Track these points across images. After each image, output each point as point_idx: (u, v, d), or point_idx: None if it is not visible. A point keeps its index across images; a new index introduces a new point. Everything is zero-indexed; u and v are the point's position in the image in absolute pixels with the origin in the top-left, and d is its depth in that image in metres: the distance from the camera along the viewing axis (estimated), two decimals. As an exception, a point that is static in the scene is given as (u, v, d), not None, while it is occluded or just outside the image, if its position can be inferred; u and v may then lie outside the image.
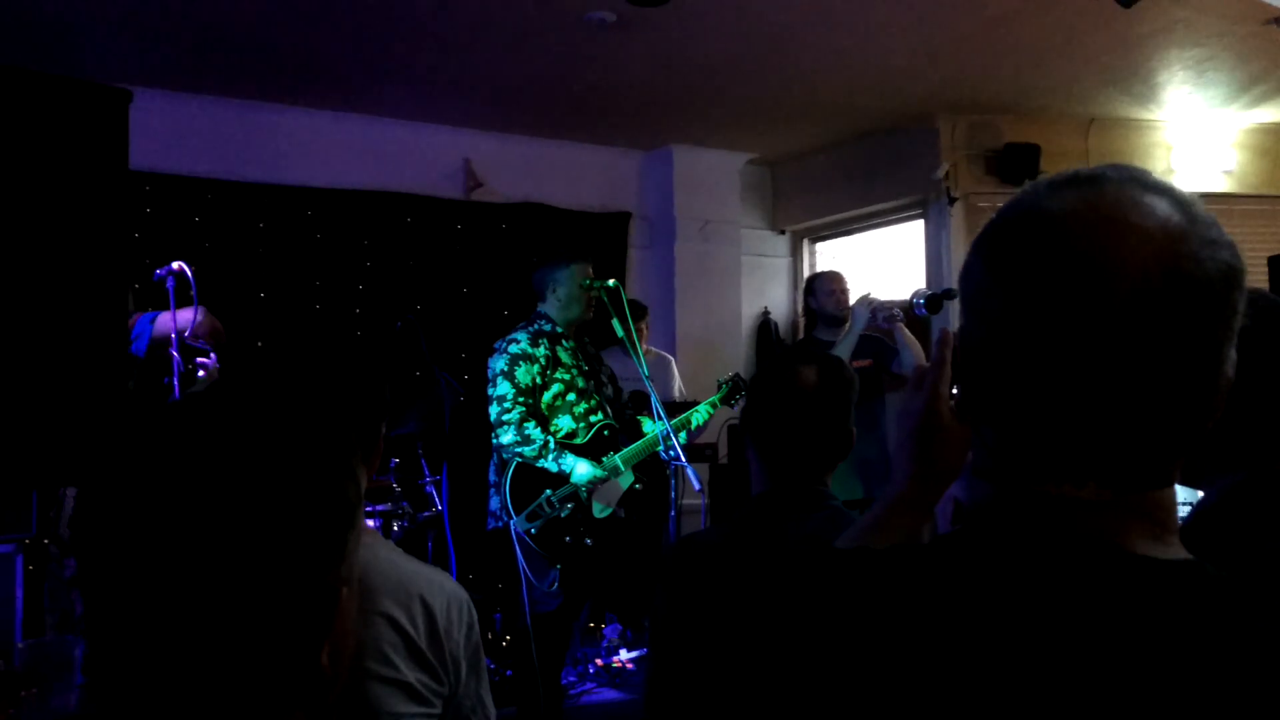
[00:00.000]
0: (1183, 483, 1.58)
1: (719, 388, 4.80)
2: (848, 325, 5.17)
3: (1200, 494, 1.57)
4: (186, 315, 3.59)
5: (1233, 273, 0.85)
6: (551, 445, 4.24)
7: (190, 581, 0.82)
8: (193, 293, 3.60)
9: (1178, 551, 0.86)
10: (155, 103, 5.65)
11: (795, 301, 8.04)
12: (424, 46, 5.35)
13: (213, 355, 3.79)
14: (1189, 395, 0.84)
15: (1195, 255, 0.82)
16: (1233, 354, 0.86)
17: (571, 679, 5.27)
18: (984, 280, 0.89)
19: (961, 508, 1.18)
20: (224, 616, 0.83)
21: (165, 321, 3.63)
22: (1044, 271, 0.84)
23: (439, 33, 5.16)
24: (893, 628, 0.84)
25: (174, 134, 5.80)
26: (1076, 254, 0.83)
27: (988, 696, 0.80)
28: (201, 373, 4.04)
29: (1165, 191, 0.86)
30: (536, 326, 4.41)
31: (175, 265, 3.67)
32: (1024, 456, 0.87)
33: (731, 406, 4.84)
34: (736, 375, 4.87)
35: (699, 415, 4.62)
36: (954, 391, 1.15)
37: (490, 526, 4.41)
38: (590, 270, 4.45)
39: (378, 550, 1.81)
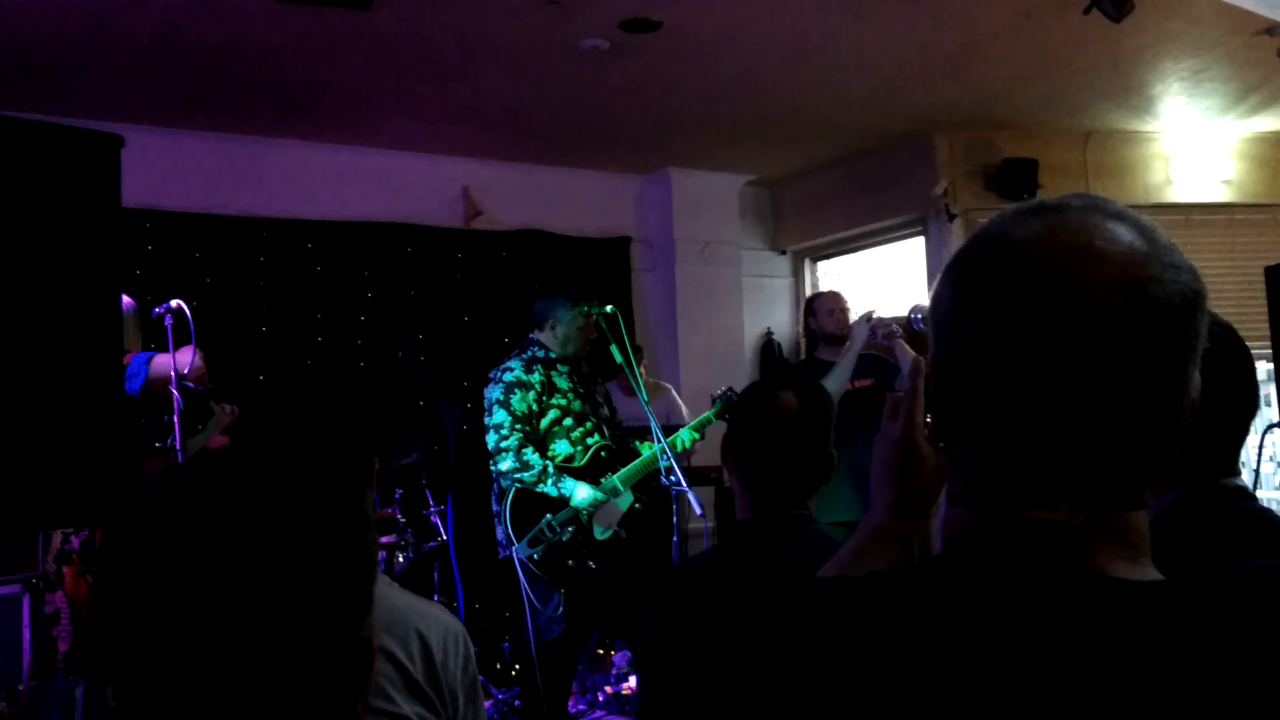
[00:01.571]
0: None
1: (713, 403, 4.75)
2: (848, 344, 5.15)
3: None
4: (185, 356, 3.60)
5: (1195, 296, 0.85)
6: (550, 470, 4.25)
7: (227, 648, 0.81)
8: (191, 330, 3.61)
9: (1151, 573, 0.87)
10: (153, 140, 5.69)
11: (798, 321, 8.02)
12: (420, 77, 5.38)
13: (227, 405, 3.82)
14: (1155, 417, 0.85)
15: (1158, 279, 0.84)
16: (1197, 377, 0.88)
17: (581, 707, 5.25)
18: (952, 306, 0.90)
19: None
20: (264, 682, 0.82)
21: (162, 363, 3.63)
22: (1010, 297, 0.85)
23: (434, 63, 5.19)
24: (870, 656, 0.85)
25: (172, 170, 5.84)
26: (1041, 279, 0.84)
27: None
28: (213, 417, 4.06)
29: (1127, 218, 0.87)
30: (530, 354, 4.41)
31: (174, 303, 3.69)
32: (996, 480, 0.88)
33: (728, 420, 4.73)
34: (730, 389, 4.81)
35: (684, 437, 4.56)
36: (929, 419, 1.16)
37: (502, 556, 4.41)
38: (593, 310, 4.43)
39: (371, 585, 1.81)
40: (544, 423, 4.33)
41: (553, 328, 4.42)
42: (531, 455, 4.24)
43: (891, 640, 0.85)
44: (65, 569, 3.99)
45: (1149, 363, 0.83)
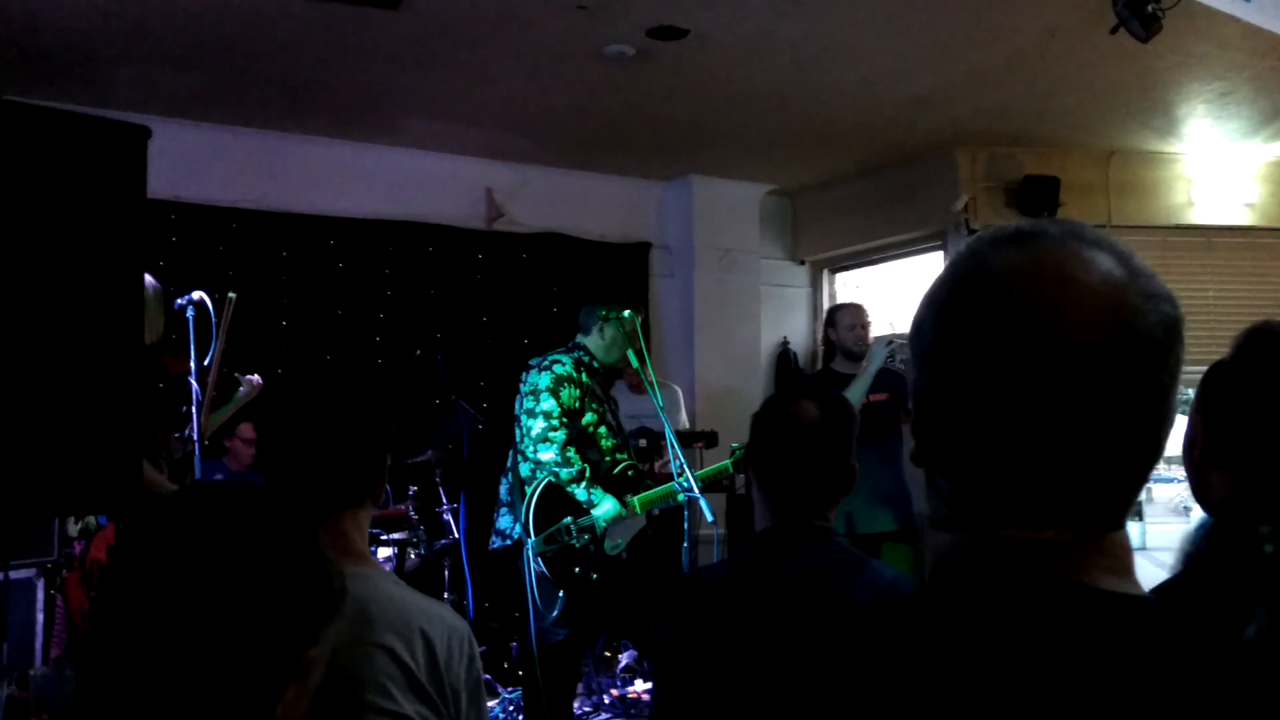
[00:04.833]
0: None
1: (732, 453, 4.32)
2: (865, 362, 5.16)
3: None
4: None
5: (1174, 324, 0.87)
6: (588, 474, 4.23)
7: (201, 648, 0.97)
8: (212, 322, 3.65)
9: (1138, 589, 0.88)
10: (181, 132, 5.75)
11: (815, 331, 8.04)
12: (445, 78, 5.42)
13: (253, 376, 3.85)
14: (1139, 442, 0.87)
15: (1139, 309, 0.85)
16: (1175, 400, 0.89)
17: (586, 709, 5.27)
18: (934, 337, 0.91)
19: None
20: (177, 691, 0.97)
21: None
22: (992, 331, 0.86)
23: (461, 64, 5.22)
24: (876, 676, 0.86)
25: (199, 163, 5.89)
26: (1023, 313, 0.85)
27: None
28: (242, 389, 4.10)
29: (1105, 245, 0.88)
30: (577, 355, 4.39)
31: (195, 295, 3.73)
32: (983, 504, 0.89)
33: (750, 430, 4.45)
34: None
35: (677, 488, 4.23)
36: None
37: (495, 546, 4.41)
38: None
39: (378, 582, 1.83)
40: (580, 422, 4.33)
41: (601, 331, 4.40)
42: (574, 454, 4.22)
43: (892, 663, 0.86)
44: (67, 574, 4.01)
45: (1132, 393, 0.85)
